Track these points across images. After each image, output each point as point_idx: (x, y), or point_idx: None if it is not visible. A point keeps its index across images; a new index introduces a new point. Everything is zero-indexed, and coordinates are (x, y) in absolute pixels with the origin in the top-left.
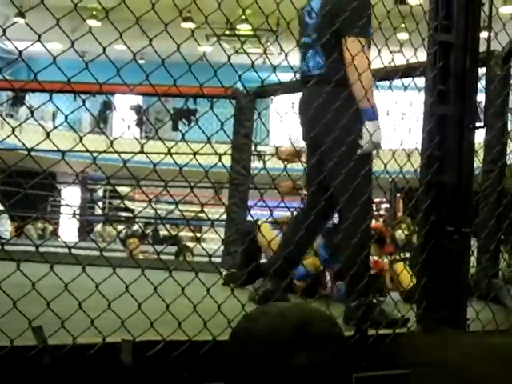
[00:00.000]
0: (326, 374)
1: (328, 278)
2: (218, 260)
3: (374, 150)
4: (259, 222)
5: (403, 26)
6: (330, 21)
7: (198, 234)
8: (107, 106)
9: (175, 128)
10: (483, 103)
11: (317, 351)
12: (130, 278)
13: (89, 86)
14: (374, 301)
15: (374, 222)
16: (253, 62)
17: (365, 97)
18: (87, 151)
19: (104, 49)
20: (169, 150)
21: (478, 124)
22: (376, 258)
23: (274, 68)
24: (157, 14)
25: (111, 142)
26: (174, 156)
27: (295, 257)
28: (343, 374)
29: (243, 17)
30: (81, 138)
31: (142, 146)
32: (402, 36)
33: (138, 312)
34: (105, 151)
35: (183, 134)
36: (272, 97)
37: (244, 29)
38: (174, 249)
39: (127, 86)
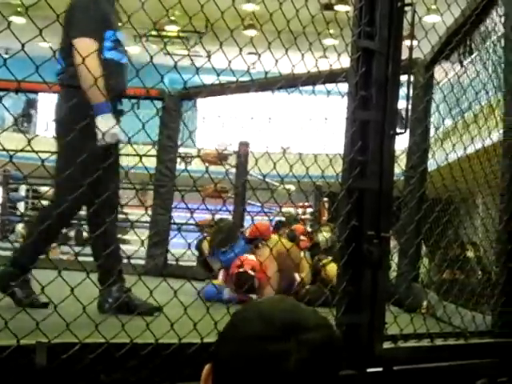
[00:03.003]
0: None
1: None
2: (142, 262)
3: (113, 141)
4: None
5: (327, 31)
6: (64, 26)
7: (125, 236)
8: (30, 105)
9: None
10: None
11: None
12: (48, 280)
13: (8, 83)
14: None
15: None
16: (175, 63)
17: (95, 93)
18: (4, 150)
19: (23, 45)
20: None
21: (398, 130)
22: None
23: (197, 70)
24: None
25: (29, 141)
26: None
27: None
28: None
29: (172, 18)
30: None
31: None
32: (329, 42)
33: (54, 314)
34: (21, 150)
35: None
36: (197, 99)
37: (172, 30)
38: None
39: (46, 84)
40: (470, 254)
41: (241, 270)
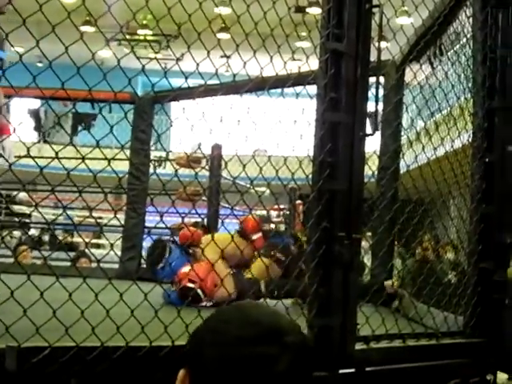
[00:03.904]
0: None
1: None
2: (116, 266)
3: None
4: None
5: (296, 34)
6: None
7: (99, 240)
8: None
9: (73, 132)
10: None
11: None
12: (17, 285)
13: None
14: None
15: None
16: (143, 66)
17: None
18: None
19: None
20: (56, 153)
21: (368, 132)
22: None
23: (165, 73)
24: (44, 14)
25: None
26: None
27: None
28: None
29: (144, 22)
30: None
31: (28, 150)
32: (299, 44)
33: (25, 318)
34: None
35: (71, 138)
36: (168, 102)
37: (144, 34)
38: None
39: (13, 88)
40: (450, 254)
41: (181, 286)
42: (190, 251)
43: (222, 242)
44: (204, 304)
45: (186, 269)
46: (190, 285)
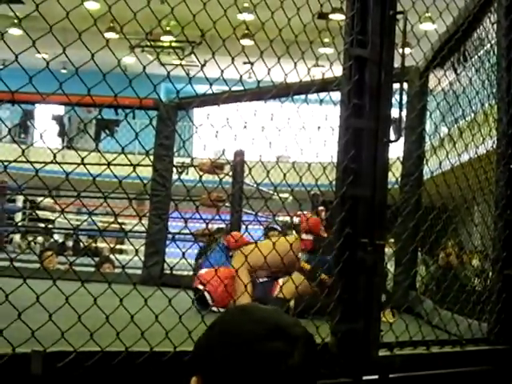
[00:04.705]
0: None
1: None
2: (139, 272)
3: None
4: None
5: (319, 40)
6: None
7: (122, 246)
8: (28, 116)
9: (97, 138)
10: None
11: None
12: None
13: (3, 94)
14: None
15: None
16: (168, 73)
17: None
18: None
19: (16, 56)
20: (82, 159)
21: (392, 138)
22: None
23: (190, 79)
24: (70, 22)
25: (23, 151)
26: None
27: None
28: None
29: (167, 28)
30: None
31: (55, 156)
32: (322, 50)
33: (50, 323)
34: (15, 160)
35: (96, 145)
36: (192, 109)
37: (167, 40)
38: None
39: (40, 94)
40: (474, 261)
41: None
42: (230, 254)
43: (262, 249)
44: (215, 309)
45: (203, 270)
46: (200, 287)
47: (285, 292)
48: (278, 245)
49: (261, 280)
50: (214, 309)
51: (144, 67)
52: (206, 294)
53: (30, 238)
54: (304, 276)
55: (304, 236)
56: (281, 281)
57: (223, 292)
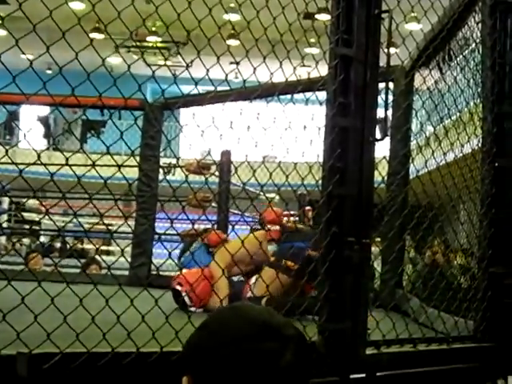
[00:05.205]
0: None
1: None
2: (126, 273)
3: None
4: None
5: (305, 40)
6: None
7: (109, 247)
8: (13, 117)
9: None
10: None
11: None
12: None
13: None
14: None
15: None
16: (153, 73)
17: None
18: None
19: None
20: (66, 160)
21: (378, 136)
22: None
23: (175, 79)
24: (54, 21)
25: (6, 152)
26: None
27: None
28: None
29: (153, 29)
30: None
31: (39, 156)
32: (308, 50)
33: (35, 325)
34: None
35: (81, 145)
36: (178, 109)
37: (153, 41)
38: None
39: (24, 95)
40: (460, 259)
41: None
42: (211, 250)
43: (233, 247)
44: (193, 310)
45: (188, 271)
46: (178, 287)
47: (256, 291)
48: (247, 241)
49: (235, 279)
50: (193, 309)
51: (129, 66)
52: (183, 294)
53: (15, 240)
54: (272, 268)
55: (270, 227)
56: (252, 279)
57: (201, 293)
